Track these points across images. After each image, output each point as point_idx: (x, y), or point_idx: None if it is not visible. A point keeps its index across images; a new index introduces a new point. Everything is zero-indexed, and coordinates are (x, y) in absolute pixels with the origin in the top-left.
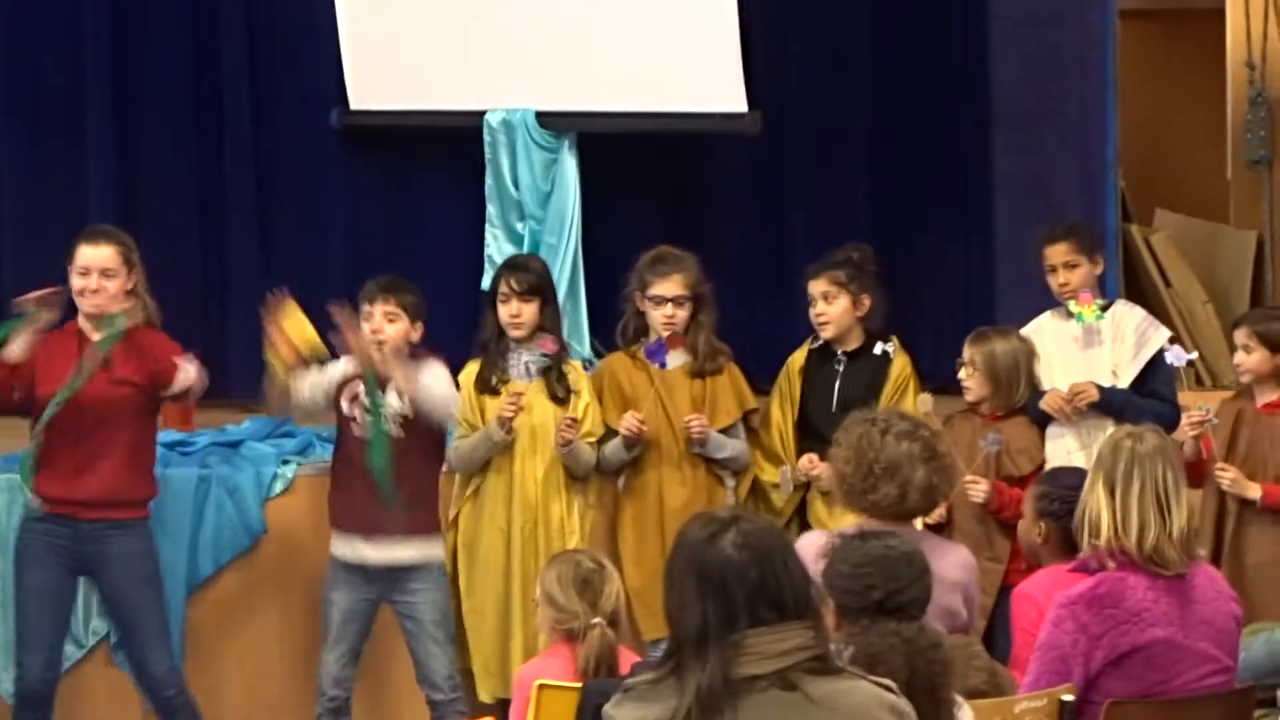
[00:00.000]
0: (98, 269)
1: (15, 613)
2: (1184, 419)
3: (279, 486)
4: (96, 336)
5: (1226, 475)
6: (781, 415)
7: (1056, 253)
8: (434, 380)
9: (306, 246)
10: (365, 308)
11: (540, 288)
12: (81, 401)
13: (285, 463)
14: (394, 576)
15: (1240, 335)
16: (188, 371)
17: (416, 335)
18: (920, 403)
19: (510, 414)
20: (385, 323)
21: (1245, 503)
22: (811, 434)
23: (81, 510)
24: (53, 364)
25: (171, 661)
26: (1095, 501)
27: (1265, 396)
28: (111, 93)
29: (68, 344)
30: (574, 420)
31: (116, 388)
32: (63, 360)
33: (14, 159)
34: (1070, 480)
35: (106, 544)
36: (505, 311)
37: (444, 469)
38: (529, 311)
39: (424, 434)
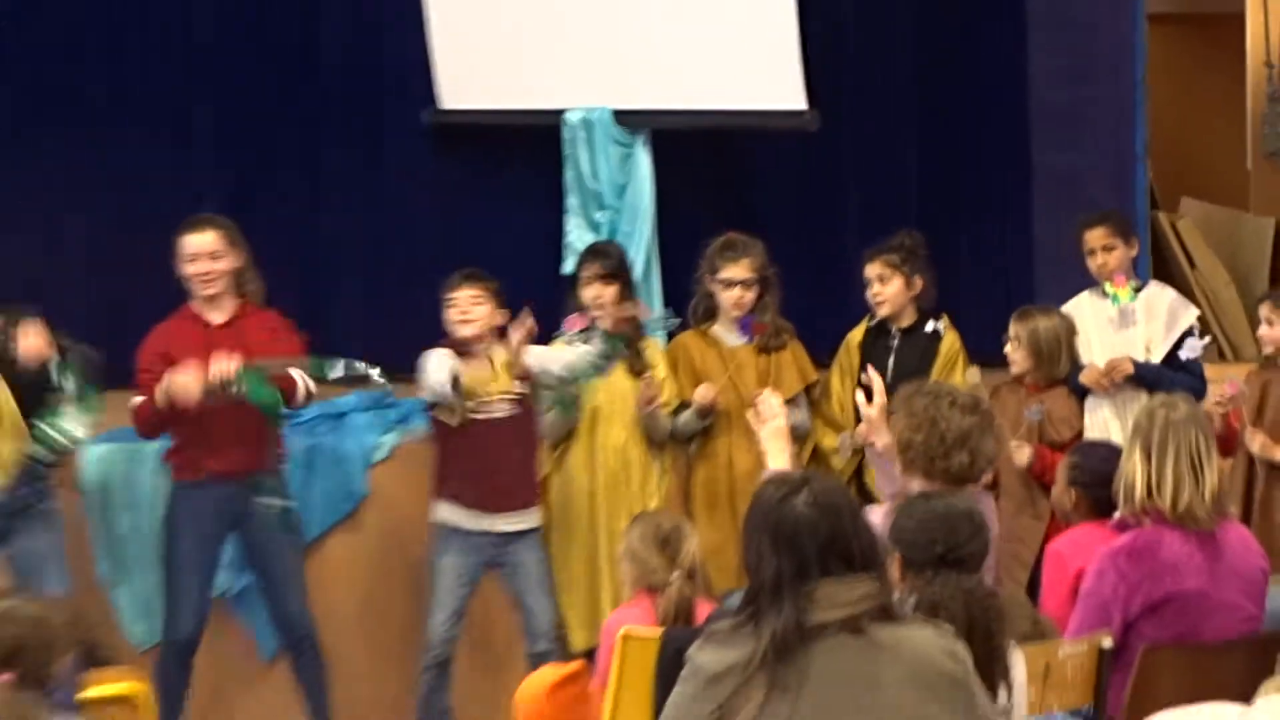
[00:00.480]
0: (205, 253)
1: (168, 569)
2: (1211, 394)
3: (380, 454)
4: (215, 319)
5: (1256, 440)
6: (841, 386)
7: (1095, 237)
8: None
9: (401, 235)
10: (450, 295)
11: (619, 272)
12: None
13: (386, 432)
14: (502, 542)
15: (1264, 310)
16: (300, 389)
17: (501, 319)
18: (969, 375)
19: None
20: (472, 306)
21: (1273, 466)
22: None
23: (231, 475)
24: (182, 349)
25: (302, 604)
26: (1133, 466)
27: None
28: (216, 91)
29: (190, 328)
30: (653, 382)
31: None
32: (189, 344)
33: (122, 158)
34: (1099, 453)
35: (253, 501)
36: (588, 294)
37: None
38: (609, 294)
39: (532, 413)
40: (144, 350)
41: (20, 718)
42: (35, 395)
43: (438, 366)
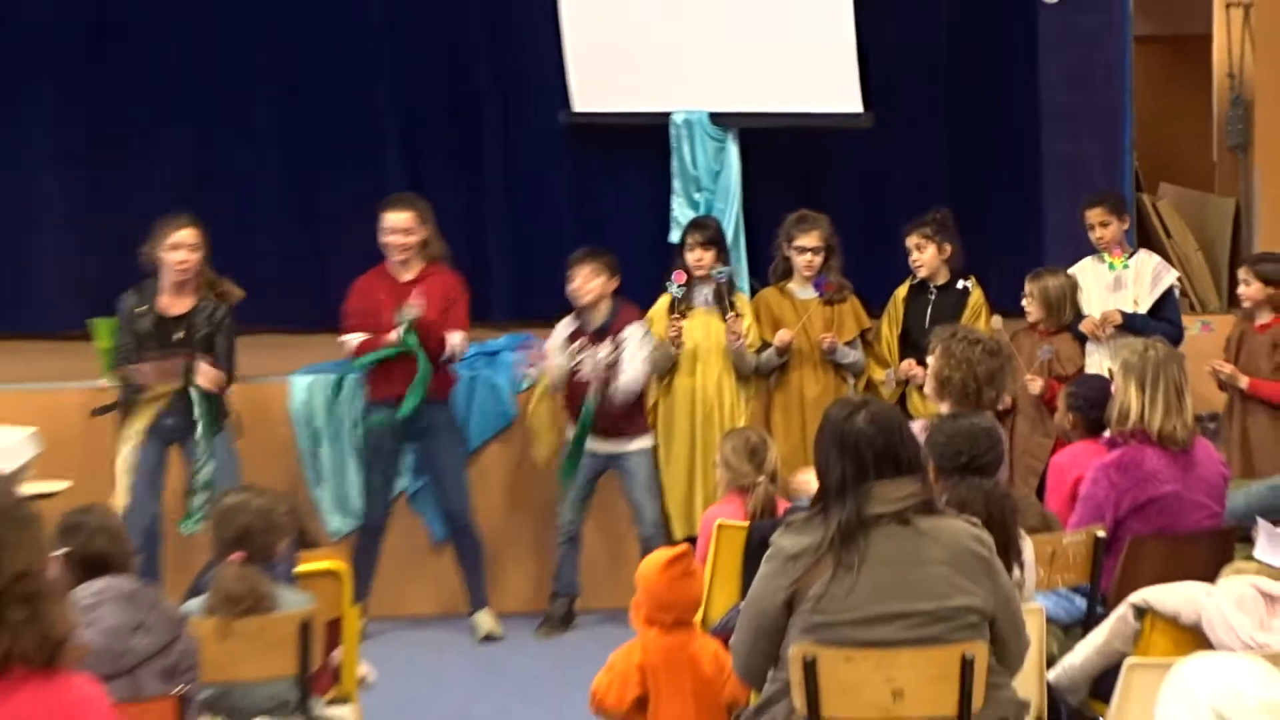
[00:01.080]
0: (400, 229)
1: (364, 472)
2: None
3: (525, 384)
4: (404, 277)
5: (1225, 369)
6: (889, 332)
7: (1094, 214)
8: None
9: (542, 212)
10: (571, 270)
11: (716, 240)
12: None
13: (531, 366)
14: (619, 456)
15: (1242, 272)
16: (453, 343)
17: (614, 285)
18: (993, 322)
19: (675, 334)
20: (588, 280)
21: (1243, 395)
22: (910, 346)
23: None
24: (371, 299)
25: (464, 500)
26: (1129, 397)
27: (1260, 319)
28: (396, 101)
29: (383, 283)
30: (738, 316)
31: (427, 312)
32: (377, 296)
33: (329, 147)
34: (1092, 384)
35: (428, 419)
36: (691, 258)
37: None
38: (708, 257)
39: None
40: (349, 300)
41: (249, 586)
42: None
43: (552, 346)
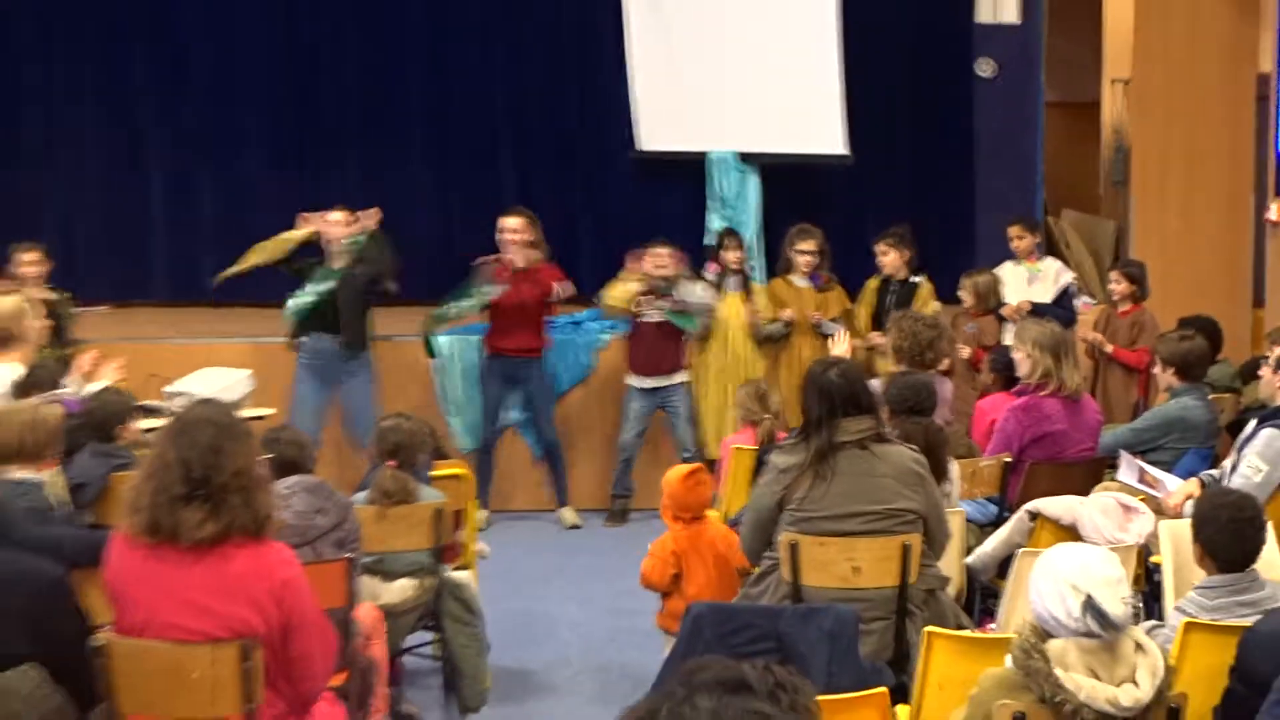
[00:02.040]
0: (514, 229)
1: (484, 406)
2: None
3: (601, 344)
4: (517, 264)
5: (1095, 337)
6: (863, 313)
7: (1014, 230)
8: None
9: (615, 221)
10: (654, 251)
11: (743, 244)
12: (520, 298)
13: (603, 333)
14: (665, 392)
15: (1113, 274)
16: (558, 290)
17: (681, 267)
18: (933, 307)
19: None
20: (666, 259)
21: (1106, 359)
22: (877, 324)
23: (518, 352)
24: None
25: (553, 429)
26: (1038, 357)
27: (1123, 307)
28: (513, 137)
29: (504, 270)
30: (754, 304)
31: (532, 292)
32: (503, 279)
33: (456, 169)
34: (1007, 352)
35: (530, 369)
36: (726, 255)
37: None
38: (737, 256)
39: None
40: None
41: (399, 485)
42: None
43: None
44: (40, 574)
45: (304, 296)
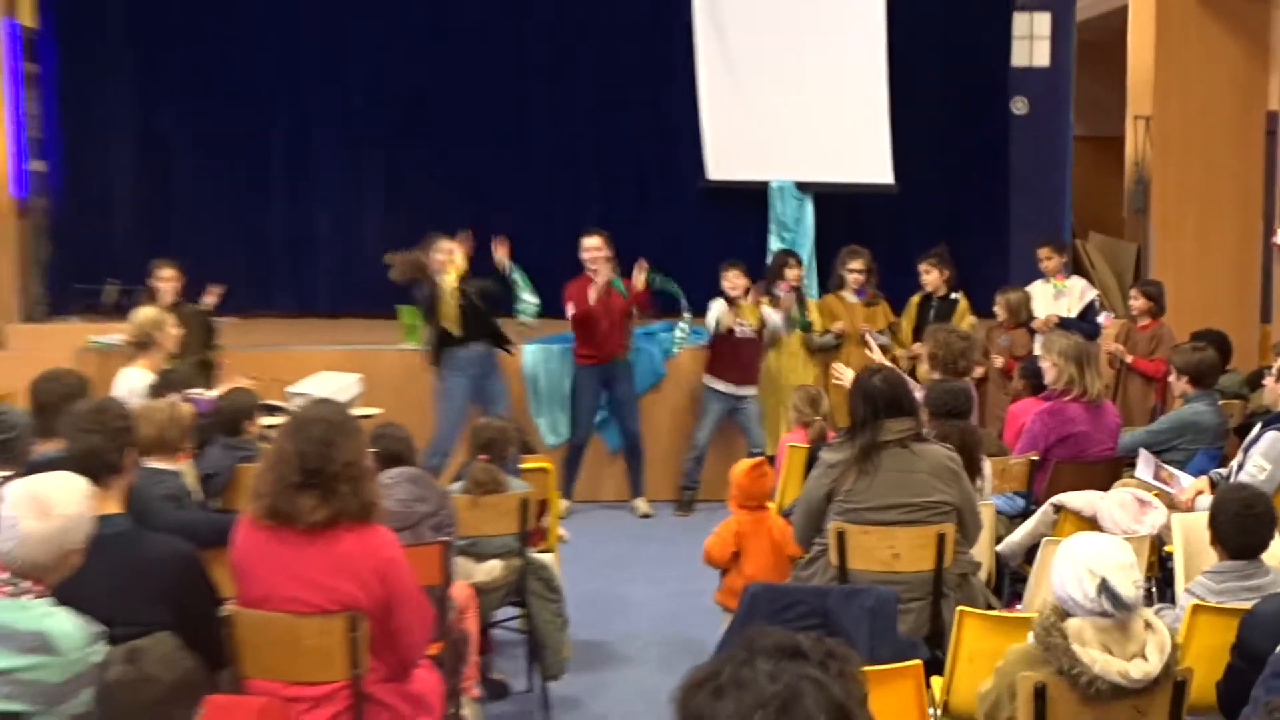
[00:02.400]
0: (594, 248)
1: (573, 407)
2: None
3: (673, 353)
4: (598, 279)
5: (1116, 348)
6: (906, 325)
7: (1044, 251)
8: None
9: (687, 241)
10: (725, 272)
11: (799, 262)
12: (611, 309)
13: (674, 344)
14: (739, 398)
15: (1133, 291)
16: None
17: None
18: (971, 322)
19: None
20: (737, 280)
21: (1127, 368)
22: (919, 335)
23: (609, 357)
24: (581, 294)
25: (636, 425)
26: (1063, 366)
27: (1142, 321)
28: (599, 168)
29: (586, 284)
30: (809, 324)
31: (620, 304)
32: (585, 292)
33: (549, 205)
34: (1035, 362)
35: (619, 370)
36: (790, 274)
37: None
38: (796, 274)
39: (760, 335)
40: (568, 293)
41: (490, 476)
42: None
43: (712, 315)
44: (176, 553)
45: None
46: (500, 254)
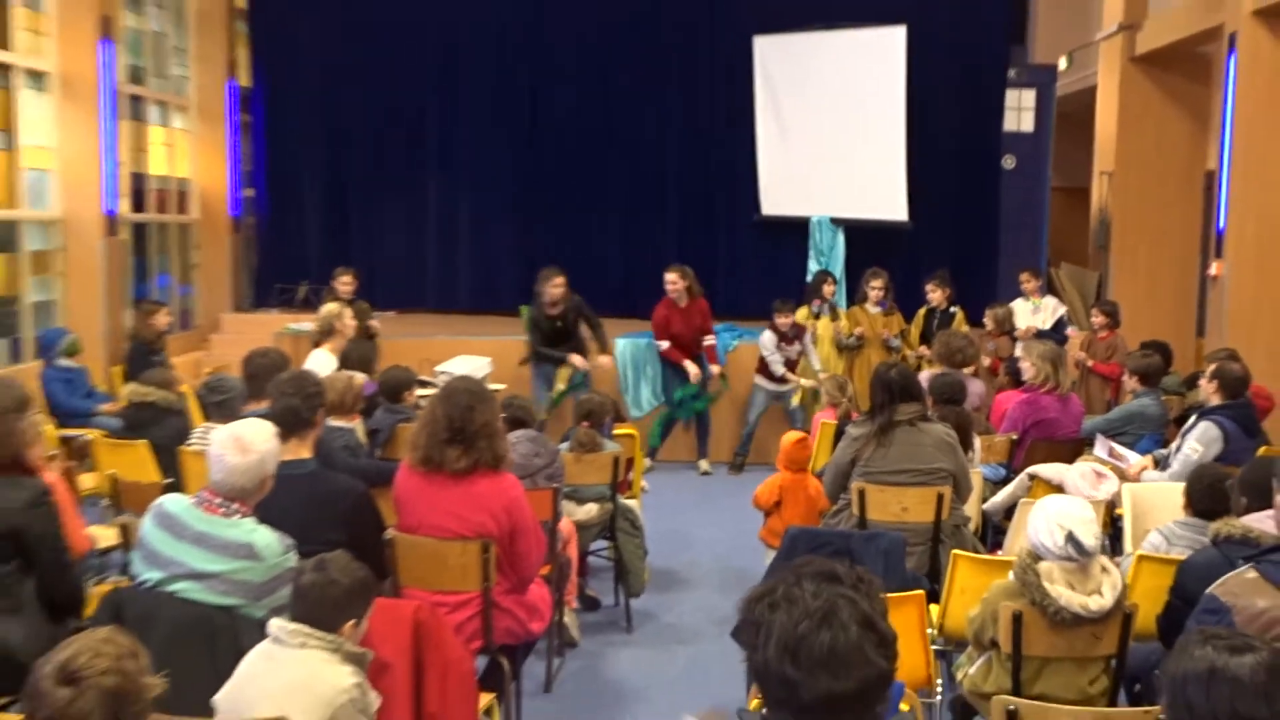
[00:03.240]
0: (674, 280)
1: (665, 392)
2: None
3: (730, 349)
4: (679, 302)
5: (1081, 355)
6: (915, 332)
7: (1025, 277)
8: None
9: (743, 266)
10: (778, 309)
11: (834, 280)
12: (686, 324)
13: (732, 344)
14: (780, 393)
15: (1094, 310)
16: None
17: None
18: (967, 330)
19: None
20: (789, 315)
21: (1088, 370)
22: (925, 339)
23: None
24: (667, 315)
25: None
26: (1040, 366)
27: (1101, 333)
28: (677, 204)
29: (672, 306)
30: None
31: (692, 320)
32: (671, 313)
33: (639, 234)
34: (1015, 364)
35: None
36: (826, 289)
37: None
38: (830, 290)
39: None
40: (655, 318)
41: (590, 438)
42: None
43: (763, 346)
44: (352, 490)
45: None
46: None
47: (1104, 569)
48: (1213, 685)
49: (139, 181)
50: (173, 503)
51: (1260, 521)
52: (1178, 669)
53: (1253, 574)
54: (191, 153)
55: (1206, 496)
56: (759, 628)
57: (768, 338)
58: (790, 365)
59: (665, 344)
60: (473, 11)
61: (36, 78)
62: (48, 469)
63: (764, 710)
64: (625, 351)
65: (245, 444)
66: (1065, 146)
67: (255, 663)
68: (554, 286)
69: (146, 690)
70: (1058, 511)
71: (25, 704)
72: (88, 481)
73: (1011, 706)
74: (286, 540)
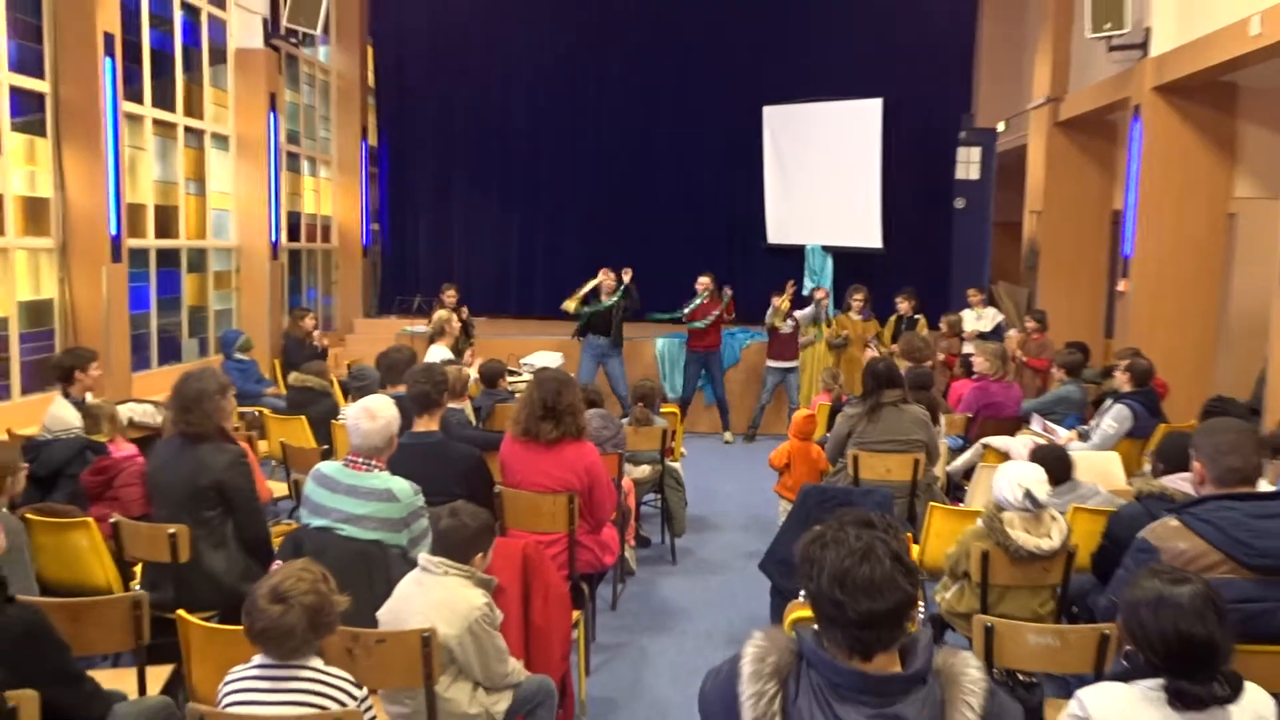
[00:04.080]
0: (705, 283)
1: (687, 377)
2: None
3: (745, 346)
4: (706, 301)
5: (1017, 352)
6: (886, 335)
7: (972, 292)
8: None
9: (754, 283)
10: (775, 296)
11: (828, 294)
12: (708, 318)
13: (747, 341)
14: (788, 371)
15: (1027, 317)
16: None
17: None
18: (925, 333)
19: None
20: (788, 297)
21: (1024, 363)
22: (895, 340)
23: (708, 348)
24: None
25: (723, 388)
26: (986, 359)
27: (1033, 335)
28: (703, 233)
29: (708, 302)
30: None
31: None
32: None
33: (668, 249)
34: (967, 359)
35: (713, 356)
36: (817, 294)
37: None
38: (825, 297)
39: (796, 332)
40: (690, 311)
41: (644, 414)
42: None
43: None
44: (469, 454)
45: (585, 309)
46: (627, 277)
47: (1053, 518)
48: (1160, 609)
49: (294, 218)
50: (327, 466)
51: (1174, 483)
52: (1131, 596)
53: (1175, 522)
54: (333, 196)
55: (1054, 468)
56: (813, 564)
57: (771, 310)
58: (790, 347)
59: (691, 314)
60: (549, 83)
61: (221, 140)
62: (240, 437)
63: (815, 625)
64: (664, 349)
65: (373, 412)
66: (1004, 191)
67: (408, 586)
68: (607, 278)
69: (336, 606)
70: (1017, 474)
71: (244, 618)
72: (262, 448)
73: (989, 624)
74: (415, 485)
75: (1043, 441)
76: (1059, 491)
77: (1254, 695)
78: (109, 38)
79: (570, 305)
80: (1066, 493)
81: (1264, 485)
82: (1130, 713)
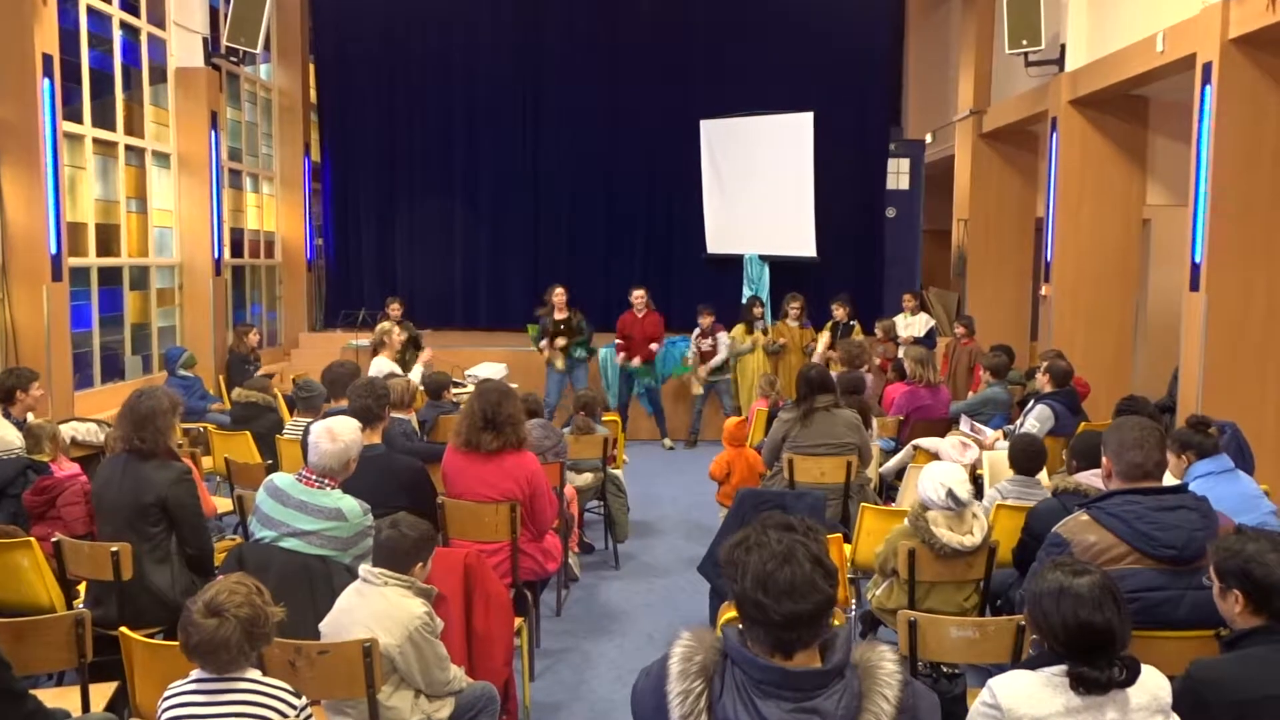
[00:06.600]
0: (639, 297)
1: (620, 388)
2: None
3: (684, 355)
4: (637, 313)
5: (944, 357)
6: (824, 340)
7: (906, 298)
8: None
9: (694, 293)
10: (702, 311)
11: (764, 304)
12: (642, 331)
13: (685, 351)
14: (719, 382)
15: (957, 323)
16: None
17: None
18: (861, 339)
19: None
20: (710, 318)
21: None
22: (831, 347)
23: (642, 360)
24: (628, 325)
25: (659, 399)
26: (914, 364)
27: (963, 340)
28: (641, 243)
29: (632, 316)
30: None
31: (646, 329)
32: (630, 322)
33: (614, 273)
34: (900, 363)
35: (648, 368)
36: (756, 310)
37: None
38: (759, 310)
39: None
40: (620, 320)
41: (586, 423)
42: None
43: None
44: (412, 466)
45: (537, 331)
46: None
47: (975, 515)
48: (1061, 599)
49: (237, 234)
50: (280, 478)
51: (1088, 479)
52: (1035, 588)
53: (1085, 517)
54: (276, 212)
55: (1024, 460)
56: (737, 567)
57: (695, 337)
58: (706, 356)
59: (618, 343)
60: (489, 98)
61: (162, 158)
62: (184, 454)
63: (740, 625)
64: (606, 357)
65: (335, 434)
66: (933, 200)
67: (349, 598)
68: (558, 296)
69: (271, 618)
70: (940, 473)
71: (180, 633)
72: (206, 464)
73: (912, 618)
74: (365, 505)
75: (969, 441)
76: (1025, 484)
77: (1150, 678)
78: (47, 58)
79: (533, 337)
80: (1033, 486)
81: (1169, 479)
82: (1036, 697)
